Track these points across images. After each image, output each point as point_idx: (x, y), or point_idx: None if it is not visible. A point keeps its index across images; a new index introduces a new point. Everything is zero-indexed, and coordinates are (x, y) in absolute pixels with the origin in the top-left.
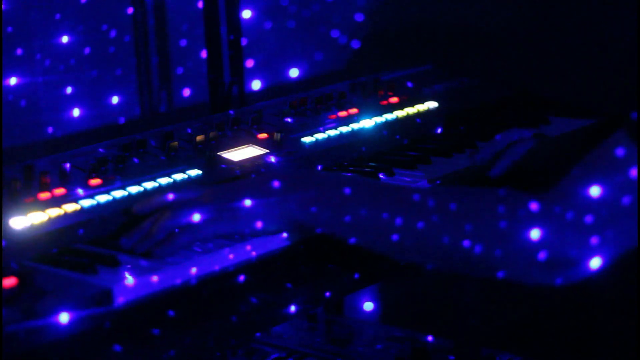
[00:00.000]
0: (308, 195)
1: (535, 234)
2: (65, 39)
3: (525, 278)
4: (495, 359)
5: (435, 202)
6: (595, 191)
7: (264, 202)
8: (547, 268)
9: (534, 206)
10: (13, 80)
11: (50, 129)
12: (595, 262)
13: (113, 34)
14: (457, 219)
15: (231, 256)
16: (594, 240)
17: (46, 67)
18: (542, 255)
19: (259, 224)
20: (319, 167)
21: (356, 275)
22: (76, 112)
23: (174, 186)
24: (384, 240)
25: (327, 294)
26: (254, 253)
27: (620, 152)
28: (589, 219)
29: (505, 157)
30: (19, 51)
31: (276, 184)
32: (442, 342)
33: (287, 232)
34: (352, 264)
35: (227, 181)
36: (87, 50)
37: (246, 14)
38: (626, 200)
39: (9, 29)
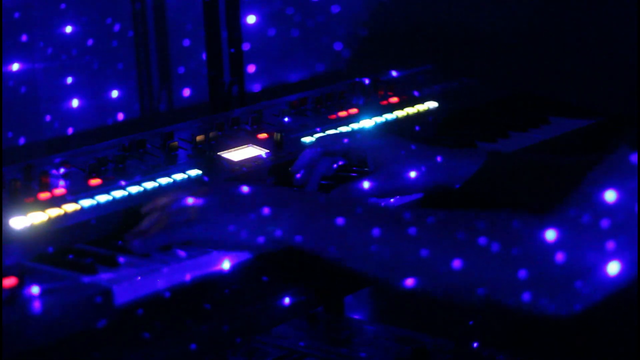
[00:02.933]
0: (295, 220)
1: (551, 235)
2: (68, 29)
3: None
4: (495, 359)
5: (431, 227)
6: (610, 196)
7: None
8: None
9: (546, 232)
10: (15, 66)
11: (48, 117)
12: (613, 267)
13: (116, 28)
14: (454, 246)
15: (228, 257)
16: (610, 244)
17: (47, 58)
18: (560, 257)
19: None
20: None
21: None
22: (75, 103)
23: (174, 186)
24: (376, 264)
25: (326, 294)
26: (252, 254)
27: (634, 158)
28: (605, 223)
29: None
30: (20, 40)
31: (264, 209)
32: (442, 342)
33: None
34: None
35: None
36: (89, 44)
37: (250, 19)
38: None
39: (16, 14)
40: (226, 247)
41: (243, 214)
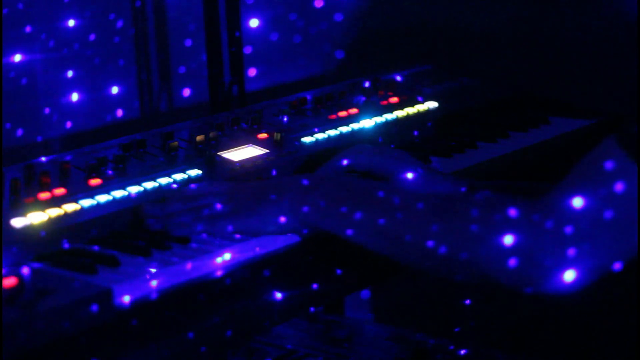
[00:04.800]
0: (332, 196)
1: (509, 239)
2: (71, 23)
3: (495, 280)
4: (495, 359)
5: (434, 209)
6: (578, 202)
7: (286, 200)
8: (517, 275)
9: (512, 212)
10: (17, 58)
11: (47, 110)
12: (569, 275)
13: (118, 25)
14: (429, 219)
15: (230, 256)
16: (571, 252)
17: (49, 53)
18: (513, 261)
19: (274, 224)
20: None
21: (356, 275)
22: (75, 97)
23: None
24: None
25: (327, 294)
26: (253, 253)
27: (609, 165)
28: (568, 230)
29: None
30: (19, 32)
31: (304, 182)
32: (442, 342)
33: (301, 234)
34: (352, 264)
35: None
36: (90, 39)
37: (253, 23)
38: (608, 214)
39: (20, 5)
40: (267, 233)
41: (278, 200)
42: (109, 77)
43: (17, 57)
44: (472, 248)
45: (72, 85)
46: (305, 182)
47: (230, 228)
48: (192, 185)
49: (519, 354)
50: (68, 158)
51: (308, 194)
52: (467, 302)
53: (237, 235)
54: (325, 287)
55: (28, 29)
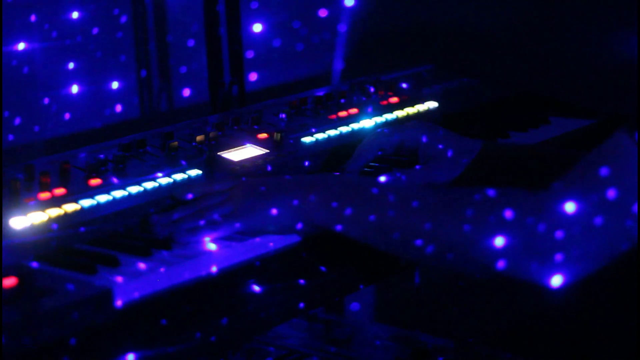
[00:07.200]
0: (331, 194)
1: (499, 241)
2: (75, 15)
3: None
4: (495, 359)
5: (433, 203)
6: (570, 207)
7: (287, 200)
8: (504, 276)
9: (507, 214)
10: (20, 46)
11: (46, 100)
12: (556, 280)
13: (123, 20)
14: (424, 216)
15: (229, 256)
16: (558, 257)
17: (50, 43)
18: (501, 264)
19: (275, 219)
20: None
21: (356, 275)
22: (75, 89)
23: (175, 186)
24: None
25: (327, 294)
26: (252, 253)
27: (603, 171)
28: (558, 235)
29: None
30: (19, 23)
31: (302, 179)
32: (442, 342)
33: (303, 230)
34: (352, 264)
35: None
36: (92, 41)
37: (256, 27)
38: (599, 220)
39: None
40: (268, 231)
41: (276, 198)
42: (110, 72)
43: (20, 46)
44: (464, 247)
45: (72, 77)
46: (303, 179)
47: (232, 228)
48: (195, 189)
49: (519, 354)
50: (68, 158)
51: (306, 191)
52: (467, 301)
53: (237, 235)
54: (325, 286)
55: (32, 18)
